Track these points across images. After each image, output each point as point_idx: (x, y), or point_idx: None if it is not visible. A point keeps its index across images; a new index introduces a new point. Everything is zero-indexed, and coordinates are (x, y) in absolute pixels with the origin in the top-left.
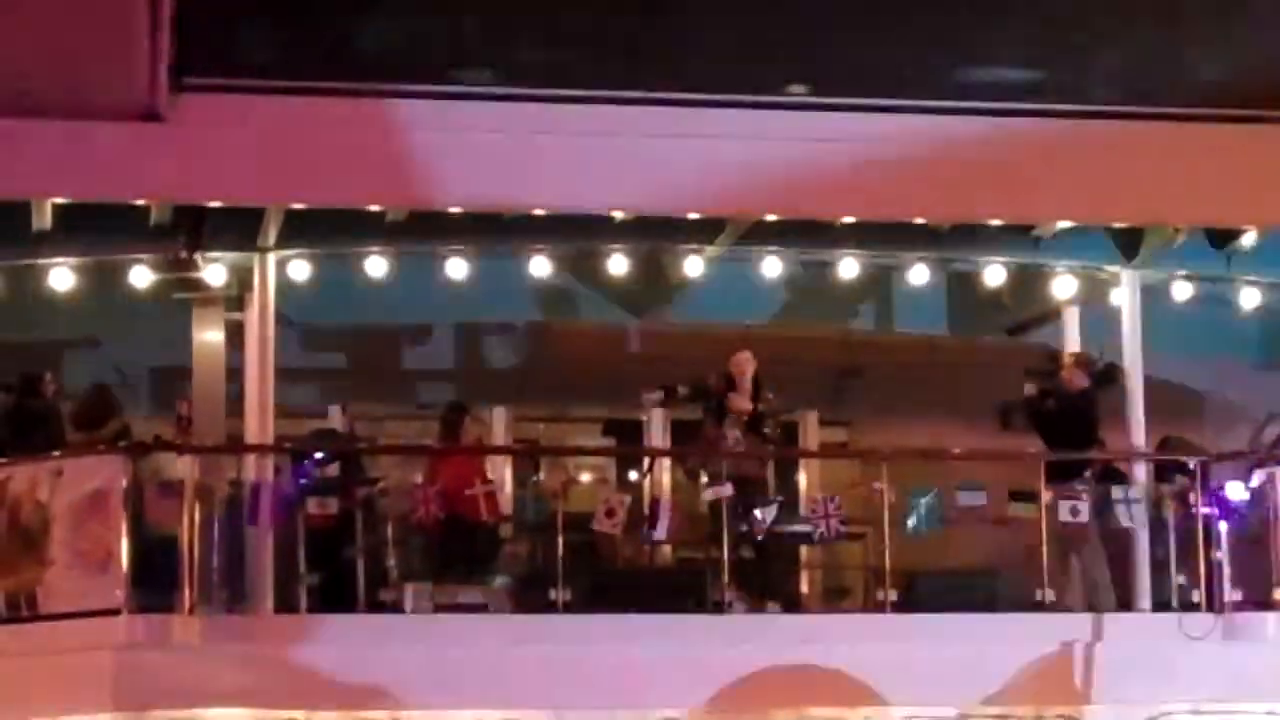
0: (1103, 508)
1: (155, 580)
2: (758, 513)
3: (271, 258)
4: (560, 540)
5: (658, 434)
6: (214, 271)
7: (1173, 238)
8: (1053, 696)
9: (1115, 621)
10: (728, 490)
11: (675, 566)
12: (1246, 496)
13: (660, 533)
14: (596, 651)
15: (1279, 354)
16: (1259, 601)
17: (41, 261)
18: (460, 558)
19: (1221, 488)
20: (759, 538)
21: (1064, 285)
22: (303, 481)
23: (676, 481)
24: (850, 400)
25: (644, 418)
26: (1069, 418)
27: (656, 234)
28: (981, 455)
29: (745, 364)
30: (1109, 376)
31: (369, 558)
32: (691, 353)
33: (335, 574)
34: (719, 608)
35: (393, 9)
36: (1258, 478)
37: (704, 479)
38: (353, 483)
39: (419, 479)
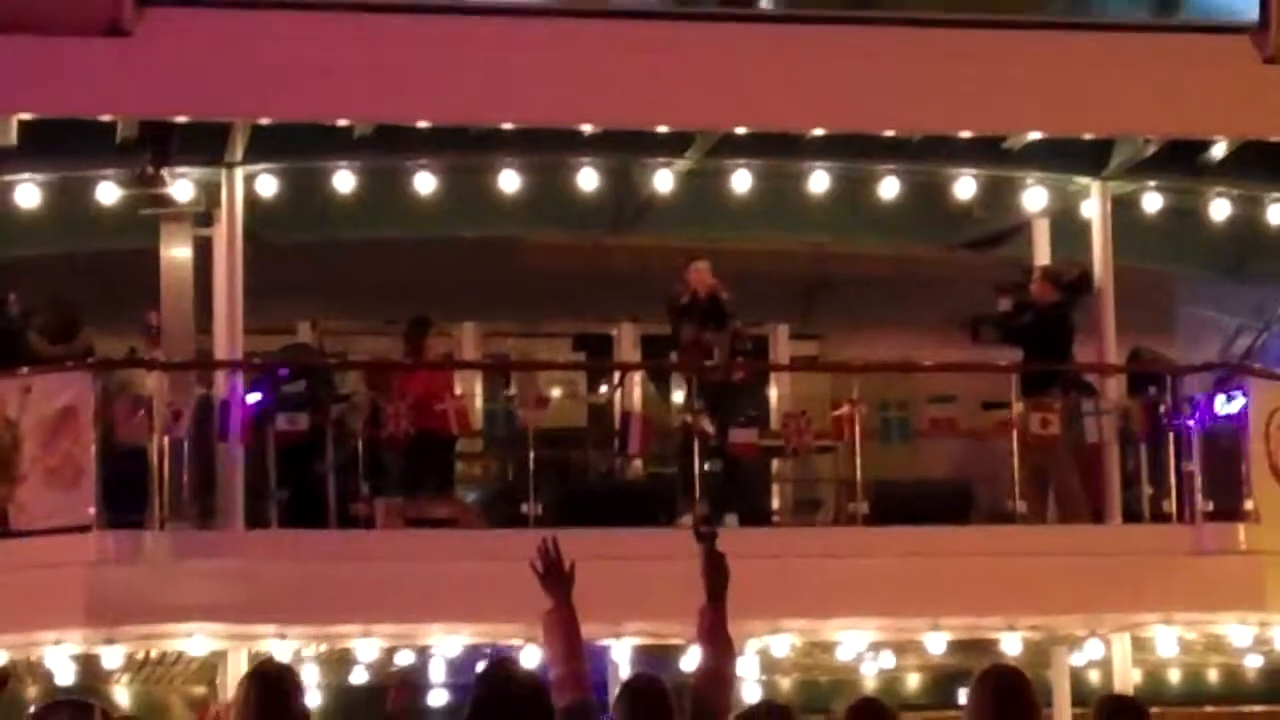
0: (1073, 420)
1: (126, 496)
2: (732, 433)
3: (239, 173)
4: (531, 455)
5: (628, 348)
6: (181, 187)
7: (1142, 149)
8: (1025, 608)
9: (1086, 533)
10: (708, 427)
11: (646, 481)
12: (1234, 410)
13: (632, 447)
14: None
15: (1249, 265)
16: (1230, 512)
17: (7, 178)
18: (430, 472)
19: (1206, 399)
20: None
21: (1034, 197)
22: (265, 398)
23: (647, 396)
24: (821, 314)
25: (614, 332)
26: (1039, 331)
27: (626, 148)
28: (952, 367)
29: (704, 275)
30: (1080, 286)
31: (339, 473)
32: (661, 267)
33: (306, 489)
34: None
35: None
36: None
37: (678, 399)
38: (323, 398)
39: (388, 394)
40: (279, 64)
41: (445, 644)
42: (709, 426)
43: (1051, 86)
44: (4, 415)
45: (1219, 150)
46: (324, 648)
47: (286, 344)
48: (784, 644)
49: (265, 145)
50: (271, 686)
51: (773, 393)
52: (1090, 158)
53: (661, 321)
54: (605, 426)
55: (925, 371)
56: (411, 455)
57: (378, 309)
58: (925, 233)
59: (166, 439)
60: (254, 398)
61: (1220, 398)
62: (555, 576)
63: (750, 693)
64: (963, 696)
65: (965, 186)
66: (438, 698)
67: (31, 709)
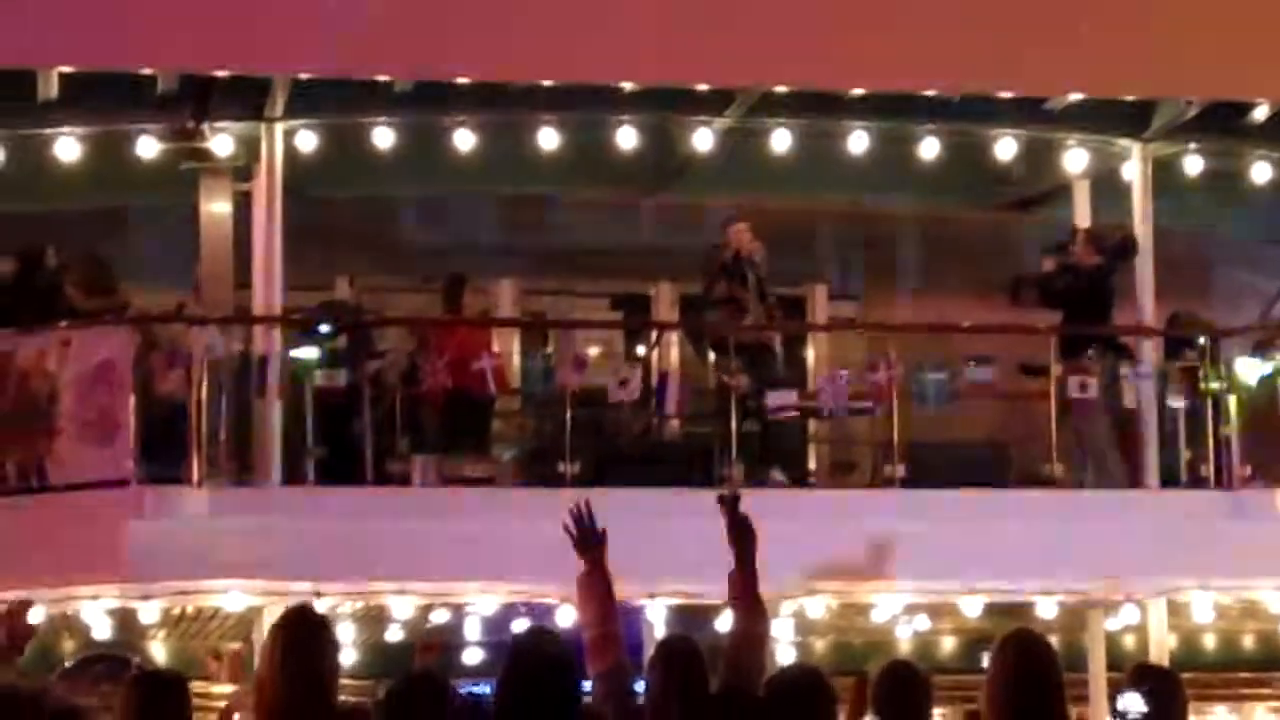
0: (1111, 383)
1: (164, 451)
2: (770, 396)
3: (279, 128)
4: (568, 414)
5: (665, 308)
6: (221, 142)
7: (1184, 111)
8: (1059, 573)
9: (1123, 497)
10: (744, 383)
11: (682, 440)
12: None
13: (668, 407)
14: (604, 526)
15: None
16: (1268, 477)
17: (47, 131)
18: (467, 430)
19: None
20: (767, 415)
21: (1074, 159)
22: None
23: (684, 356)
24: (859, 274)
25: (651, 292)
26: (1078, 294)
27: (665, 106)
28: (991, 329)
29: (743, 235)
30: (1124, 250)
31: (376, 430)
32: (700, 226)
33: (342, 446)
34: (726, 481)
35: None
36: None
37: (713, 358)
38: (360, 355)
39: (426, 352)
40: (319, 19)
41: (481, 602)
42: (743, 383)
43: (1093, 47)
44: (43, 369)
45: (1261, 113)
46: (359, 605)
47: (323, 299)
48: (819, 606)
49: (305, 100)
50: (301, 631)
51: (810, 353)
52: (1131, 119)
53: (700, 281)
54: (643, 386)
55: (963, 333)
56: (448, 413)
57: (416, 266)
58: (965, 193)
59: (204, 393)
60: (308, 352)
61: (1254, 360)
62: (588, 540)
63: (785, 654)
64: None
65: (1006, 147)
66: (472, 656)
67: (68, 663)
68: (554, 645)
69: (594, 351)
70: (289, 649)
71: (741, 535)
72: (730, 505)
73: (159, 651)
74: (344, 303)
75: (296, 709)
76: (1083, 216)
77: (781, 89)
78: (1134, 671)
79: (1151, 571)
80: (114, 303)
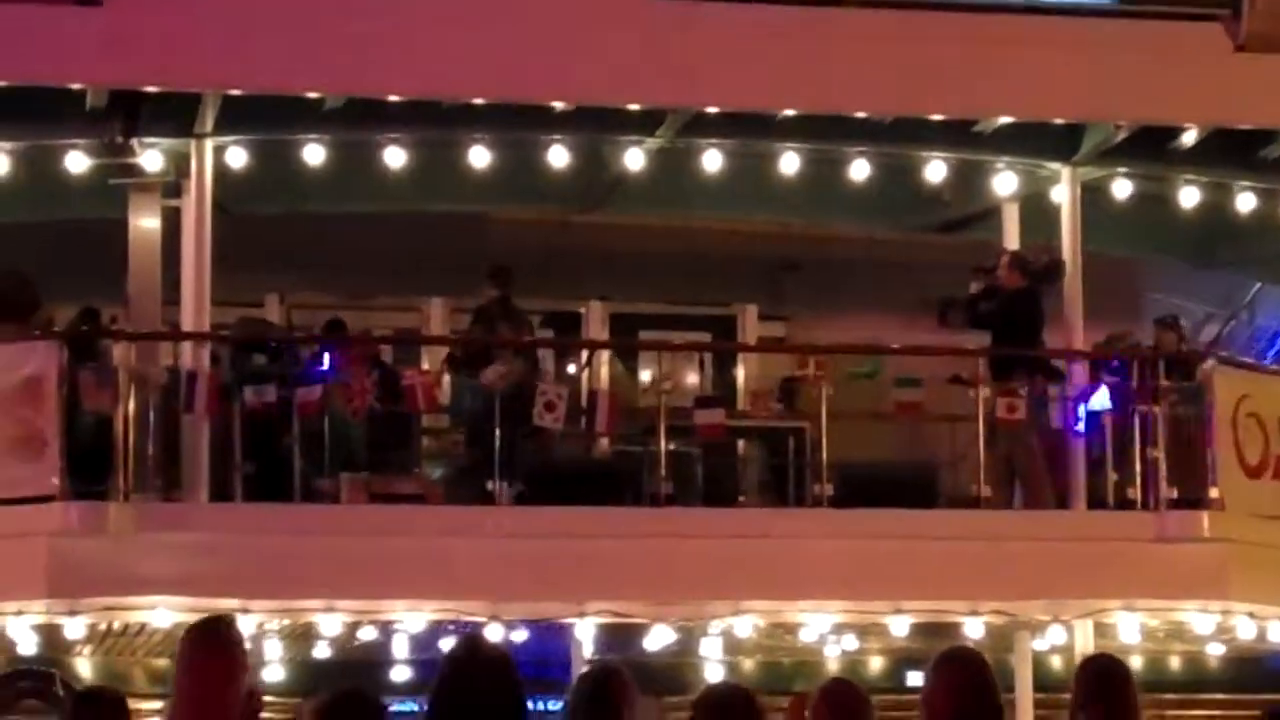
0: (1039, 406)
1: (91, 467)
2: (698, 414)
3: (209, 144)
4: (498, 432)
5: (596, 326)
6: (150, 157)
7: (1113, 135)
8: (988, 593)
9: (1051, 519)
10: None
11: (612, 459)
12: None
13: (599, 426)
14: (533, 543)
15: (1217, 253)
16: (1194, 500)
17: None
18: (396, 448)
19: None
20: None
21: (1004, 182)
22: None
23: (614, 375)
24: (789, 295)
25: (583, 310)
26: (1005, 316)
27: (596, 125)
28: (919, 350)
29: None
30: (1051, 273)
31: (304, 447)
32: (631, 245)
33: (271, 463)
34: (655, 500)
35: None
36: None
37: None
38: (289, 372)
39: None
40: (250, 35)
41: (409, 620)
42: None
43: (1023, 71)
44: None
45: (1189, 137)
46: (287, 622)
47: (243, 316)
48: (747, 625)
49: (235, 117)
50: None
51: (739, 373)
52: (1061, 143)
53: (632, 299)
54: (573, 404)
55: (892, 354)
56: (376, 430)
57: (346, 283)
58: (895, 215)
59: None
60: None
61: (1100, 394)
62: None
63: (712, 673)
64: (917, 679)
65: (936, 170)
66: (400, 674)
67: None
68: (492, 649)
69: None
70: (192, 663)
71: None
72: None
73: (85, 667)
74: (263, 320)
75: None
76: (1012, 239)
77: (712, 109)
78: (1089, 663)
79: (1078, 592)
80: (33, 322)
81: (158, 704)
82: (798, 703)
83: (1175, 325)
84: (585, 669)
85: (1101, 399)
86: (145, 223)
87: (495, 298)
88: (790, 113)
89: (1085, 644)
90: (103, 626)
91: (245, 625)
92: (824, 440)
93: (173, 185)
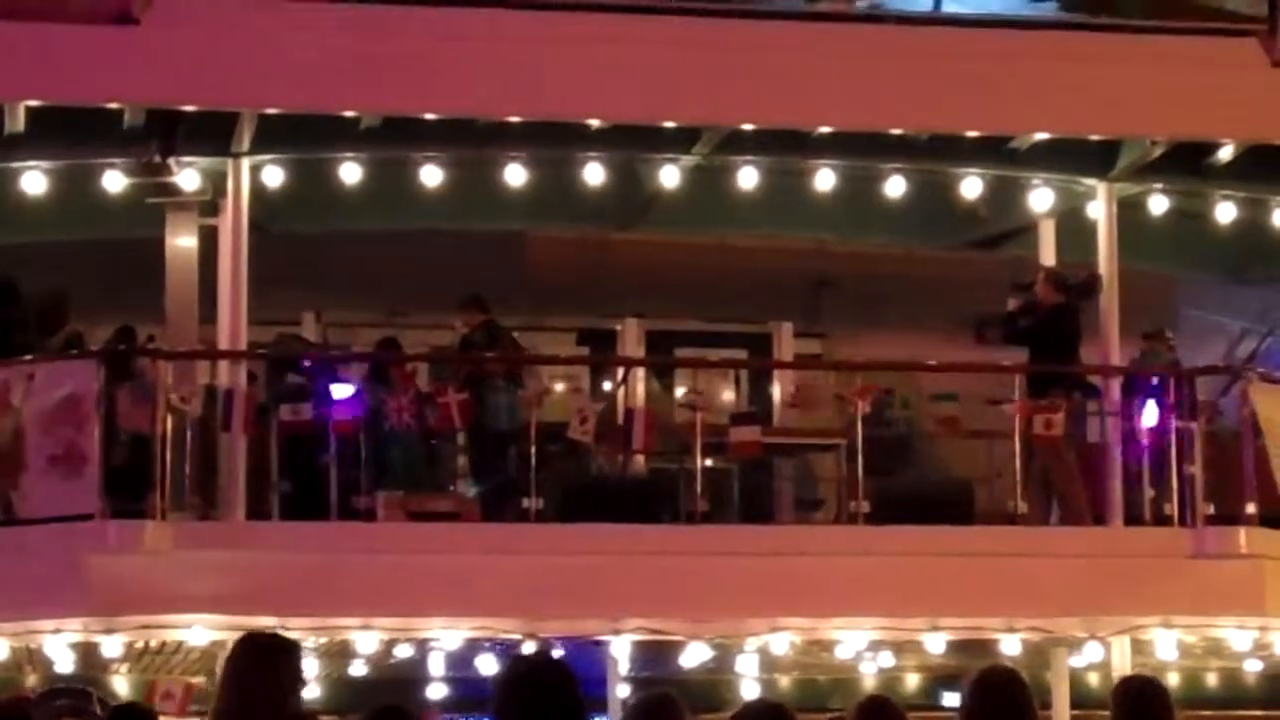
0: (1076, 422)
1: (129, 486)
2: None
3: (245, 163)
4: (533, 449)
5: (631, 343)
6: (187, 177)
7: (1149, 151)
8: (1025, 609)
9: (1088, 535)
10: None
11: (648, 477)
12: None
13: (635, 443)
14: (568, 561)
15: (1253, 269)
16: (1230, 516)
17: (14, 164)
18: (432, 466)
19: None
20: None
21: (1040, 198)
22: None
23: (651, 392)
24: (825, 312)
25: (618, 327)
26: (1041, 333)
27: (633, 143)
28: (957, 368)
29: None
30: (1088, 289)
31: (341, 465)
32: (666, 262)
33: (308, 481)
34: (691, 518)
35: None
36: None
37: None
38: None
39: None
40: (287, 54)
41: (445, 638)
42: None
43: (1059, 87)
44: (8, 402)
45: (1226, 153)
46: (323, 640)
47: (280, 333)
48: (783, 642)
49: (272, 135)
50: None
51: (775, 390)
52: (1097, 159)
53: (667, 317)
54: (609, 421)
55: (929, 371)
56: (413, 449)
57: (383, 301)
58: (931, 232)
59: (169, 429)
60: (345, 390)
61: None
62: None
63: (748, 690)
64: (953, 700)
65: (971, 186)
66: (436, 691)
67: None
68: (557, 666)
69: (560, 387)
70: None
71: None
72: None
73: (122, 685)
74: (299, 336)
75: None
76: (1048, 255)
77: (749, 127)
78: (1125, 683)
79: (1115, 609)
80: (55, 342)
81: None
82: None
83: (1162, 338)
84: (640, 695)
85: (1150, 415)
86: (182, 241)
87: (481, 323)
88: (826, 130)
89: (1122, 661)
90: (140, 644)
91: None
92: (860, 457)
93: (210, 204)
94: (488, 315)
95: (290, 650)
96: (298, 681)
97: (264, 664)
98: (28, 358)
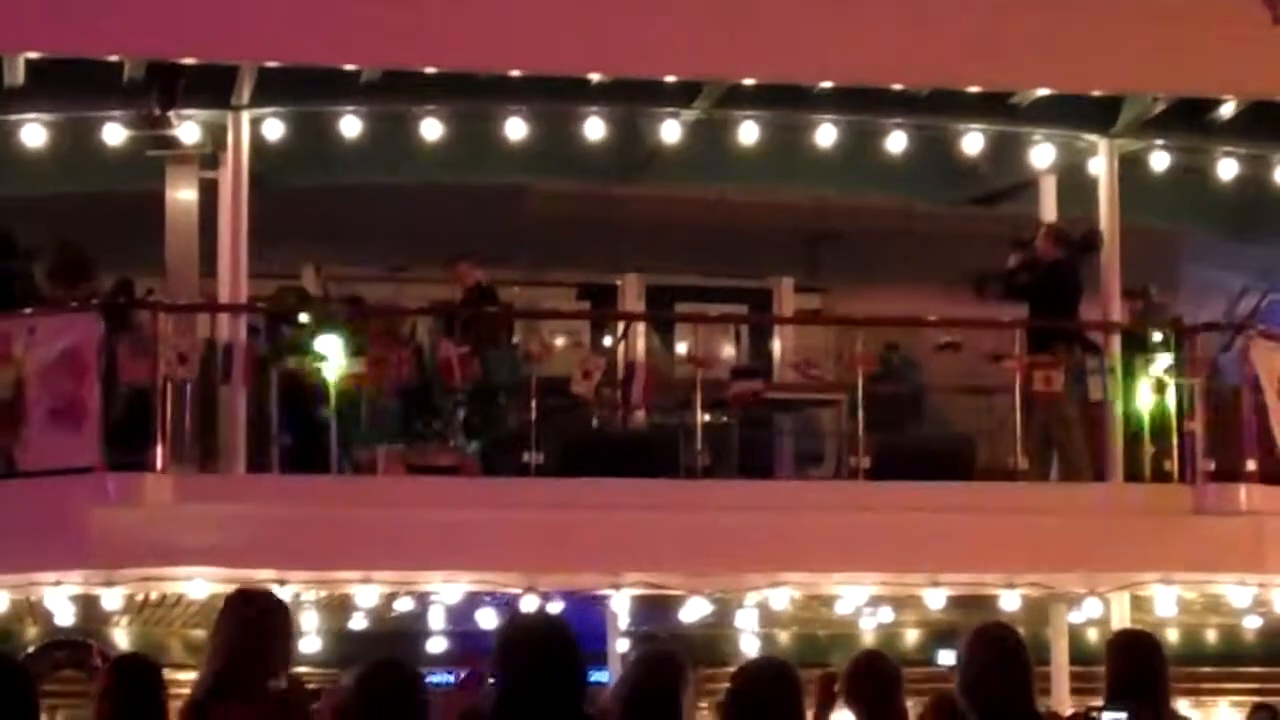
0: (1077, 378)
1: (129, 438)
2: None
3: (245, 116)
4: (534, 403)
5: (632, 299)
6: (187, 130)
7: (1151, 107)
8: (1024, 565)
9: (1088, 491)
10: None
11: (649, 431)
12: None
13: (634, 397)
14: (568, 515)
15: (1255, 226)
16: (1231, 472)
17: (13, 117)
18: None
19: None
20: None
21: (1041, 154)
22: None
23: (651, 346)
24: (825, 267)
25: (619, 282)
26: (1041, 288)
27: (633, 97)
28: (957, 323)
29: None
30: (1088, 245)
31: (341, 419)
32: (667, 218)
33: (308, 435)
34: (691, 472)
35: None
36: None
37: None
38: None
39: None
40: (287, 7)
41: (445, 591)
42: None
43: (1060, 42)
44: (8, 355)
45: (1227, 110)
46: (323, 593)
47: (281, 285)
48: (783, 597)
49: (272, 88)
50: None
51: (775, 345)
52: (1098, 115)
53: (668, 272)
54: (609, 376)
55: (929, 326)
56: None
57: (383, 255)
58: (931, 187)
59: (169, 382)
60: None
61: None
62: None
63: (748, 645)
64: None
65: (972, 142)
66: (437, 645)
67: (30, 648)
68: (554, 621)
69: (560, 342)
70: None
71: None
72: None
73: (121, 638)
74: (300, 289)
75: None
76: (1049, 211)
77: (749, 81)
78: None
79: (1115, 565)
80: (87, 292)
81: (193, 674)
82: (826, 679)
83: (1144, 295)
84: (642, 649)
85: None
86: (182, 195)
87: (475, 285)
88: (827, 85)
89: (1122, 617)
90: (140, 597)
91: (282, 596)
92: (860, 412)
93: (210, 157)
94: (478, 281)
95: (277, 609)
96: (287, 639)
97: (251, 624)
98: (27, 311)
